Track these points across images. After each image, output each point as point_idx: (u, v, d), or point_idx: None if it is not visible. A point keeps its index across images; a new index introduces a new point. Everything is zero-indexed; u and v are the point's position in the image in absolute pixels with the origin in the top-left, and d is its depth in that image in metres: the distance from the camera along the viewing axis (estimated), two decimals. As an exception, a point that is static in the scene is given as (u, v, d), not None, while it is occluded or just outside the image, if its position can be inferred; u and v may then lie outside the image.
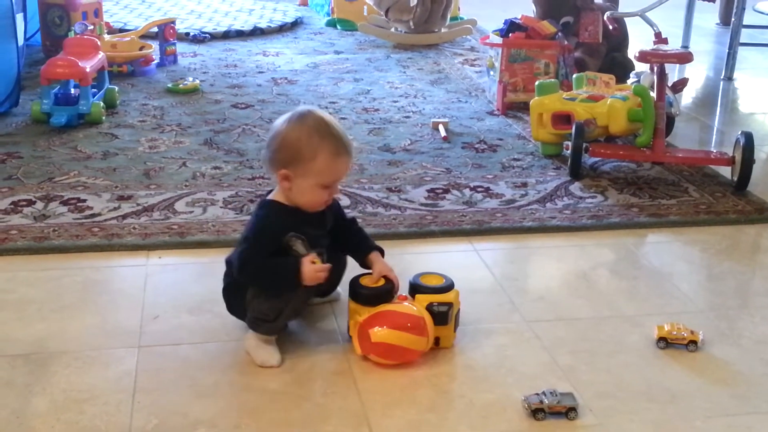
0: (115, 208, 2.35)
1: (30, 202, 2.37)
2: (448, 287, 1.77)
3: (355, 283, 1.76)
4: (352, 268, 1.85)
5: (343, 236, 1.84)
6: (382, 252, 1.83)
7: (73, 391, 1.59)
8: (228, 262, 1.79)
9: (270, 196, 1.78)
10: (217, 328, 1.81)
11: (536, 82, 2.94)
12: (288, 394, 1.61)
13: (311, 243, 1.73)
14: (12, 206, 2.35)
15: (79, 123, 2.99)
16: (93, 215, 2.31)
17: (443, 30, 4.48)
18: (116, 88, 3.25)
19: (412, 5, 4.31)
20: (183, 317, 1.86)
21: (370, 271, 1.80)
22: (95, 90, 3.13)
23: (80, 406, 1.55)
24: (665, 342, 1.78)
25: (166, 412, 1.55)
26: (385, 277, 1.77)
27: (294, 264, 1.68)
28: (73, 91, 3.04)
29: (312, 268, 1.68)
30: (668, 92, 2.76)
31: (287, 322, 1.76)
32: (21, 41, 3.16)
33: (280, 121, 1.73)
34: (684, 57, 2.79)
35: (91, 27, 3.52)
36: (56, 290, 1.96)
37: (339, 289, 1.90)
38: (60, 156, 2.73)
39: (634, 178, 2.69)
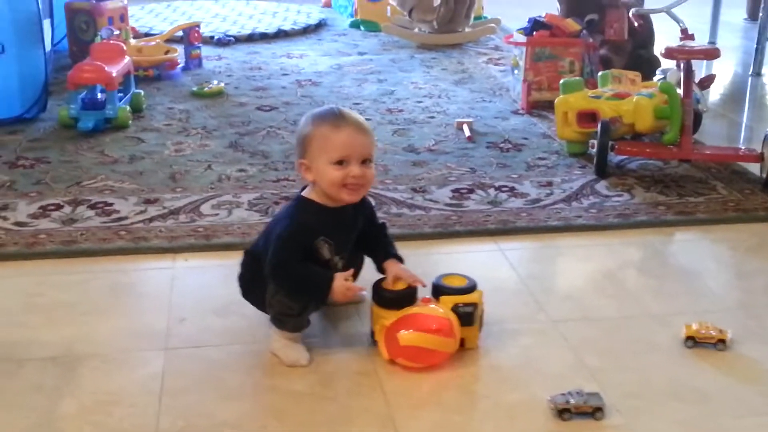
0: (141, 212, 2.37)
1: (58, 207, 2.40)
2: (472, 288, 1.76)
3: (377, 287, 1.76)
4: (371, 270, 1.85)
5: (368, 239, 1.83)
6: (401, 261, 1.81)
7: (101, 394, 1.61)
8: (248, 252, 1.80)
9: (304, 193, 1.78)
10: (243, 330, 1.82)
11: (561, 81, 2.92)
12: (313, 395, 1.61)
13: (336, 249, 1.73)
14: (40, 210, 2.37)
15: (106, 127, 3.02)
16: (120, 219, 2.33)
17: (467, 29, 4.47)
18: (142, 92, 3.29)
19: (435, 5, 4.31)
20: (209, 319, 1.87)
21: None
22: (122, 94, 3.16)
23: (108, 408, 1.57)
24: (693, 341, 1.76)
25: (192, 414, 1.55)
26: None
27: (327, 279, 1.68)
28: (99, 95, 3.07)
29: (343, 285, 1.68)
30: (695, 89, 2.74)
31: (309, 317, 1.76)
32: (48, 47, 3.20)
33: None
34: (711, 53, 2.76)
35: (117, 32, 3.55)
36: (84, 293, 1.98)
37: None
38: (87, 160, 2.76)
39: (661, 176, 2.67)
